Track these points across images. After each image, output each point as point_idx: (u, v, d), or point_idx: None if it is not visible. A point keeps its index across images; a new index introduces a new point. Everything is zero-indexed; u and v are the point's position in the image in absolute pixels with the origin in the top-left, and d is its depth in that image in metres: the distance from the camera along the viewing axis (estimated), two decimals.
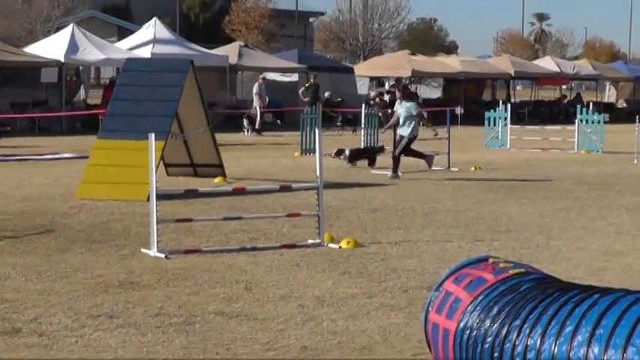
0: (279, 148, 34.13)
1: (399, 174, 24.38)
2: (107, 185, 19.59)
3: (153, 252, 13.65)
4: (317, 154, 15.37)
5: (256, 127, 43.83)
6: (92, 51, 44.84)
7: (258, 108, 44.69)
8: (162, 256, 13.46)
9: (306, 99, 42.84)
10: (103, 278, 12.17)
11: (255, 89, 45.48)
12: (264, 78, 47.06)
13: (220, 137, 24.41)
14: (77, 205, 18.70)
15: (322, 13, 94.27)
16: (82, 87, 44.87)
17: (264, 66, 50.07)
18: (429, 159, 25.75)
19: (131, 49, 45.18)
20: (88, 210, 18.01)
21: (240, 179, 22.15)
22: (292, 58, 53.25)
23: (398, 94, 27.11)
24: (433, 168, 26.16)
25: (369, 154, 27.62)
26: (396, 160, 24.65)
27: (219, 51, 50.56)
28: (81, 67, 46.04)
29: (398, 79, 53.96)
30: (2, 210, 17.98)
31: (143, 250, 13.90)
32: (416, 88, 54.41)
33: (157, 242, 13.75)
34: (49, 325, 9.92)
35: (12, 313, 10.38)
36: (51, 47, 45.03)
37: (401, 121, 24.83)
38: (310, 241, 14.65)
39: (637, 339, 6.38)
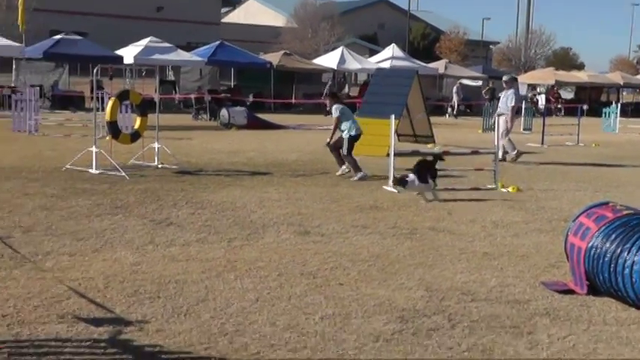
0: (468, 127, 33.69)
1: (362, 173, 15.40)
2: (362, 146, 19.52)
3: (389, 188, 13.67)
4: (495, 132, 15.16)
5: (454, 113, 43.59)
6: (353, 63, 45.10)
7: (456, 101, 44.47)
8: (396, 191, 13.44)
9: (486, 97, 42.28)
10: (359, 203, 12.28)
11: (454, 89, 45.31)
12: (460, 82, 46.69)
13: (432, 118, 24.18)
14: None
15: (498, 42, 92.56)
16: (346, 85, 45.30)
17: (460, 75, 49.55)
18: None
19: (377, 62, 45.22)
20: None
21: (444, 145, 21.91)
22: (478, 71, 52.61)
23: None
24: (567, 143, 25.43)
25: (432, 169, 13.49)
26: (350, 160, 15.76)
27: (432, 65, 50.19)
28: (346, 73, 46.39)
29: (552, 87, 52.63)
30: (298, 159, 18.33)
31: (384, 186, 13.94)
32: (558, 91, 52.81)
33: (392, 182, 13.80)
34: (326, 230, 10.08)
35: (304, 221, 10.58)
36: (328, 60, 45.54)
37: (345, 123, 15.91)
38: (489, 186, 14.39)
39: None
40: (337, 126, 15.91)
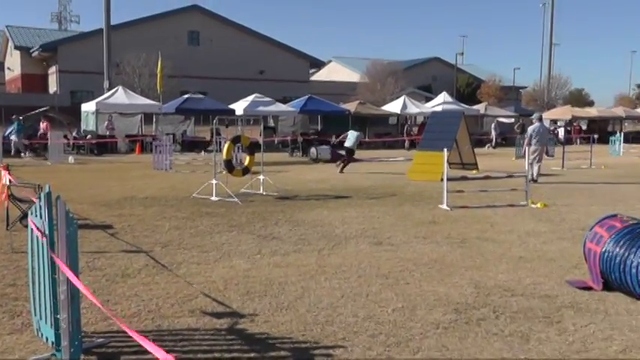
0: (504, 155, 33.05)
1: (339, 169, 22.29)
2: (421, 173, 19.53)
3: (444, 207, 13.51)
4: (526, 159, 14.90)
5: (493, 145, 42.81)
6: (413, 108, 44.83)
7: (494, 135, 43.66)
8: (449, 209, 13.30)
9: (517, 131, 41.37)
10: (420, 219, 12.16)
11: (493, 126, 44.49)
12: (497, 120, 45.91)
13: (475, 150, 23.82)
14: (408, 182, 18.71)
15: (526, 87, 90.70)
16: (405, 126, 44.93)
17: (497, 114, 48.53)
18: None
19: (432, 107, 44.79)
20: (412, 185, 17.98)
21: (485, 171, 21.53)
22: (511, 110, 51.43)
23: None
24: (582, 166, 24.75)
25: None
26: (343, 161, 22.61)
27: (475, 107, 49.42)
28: (407, 116, 46.00)
29: (571, 121, 51.20)
30: (372, 185, 18.12)
31: (439, 205, 13.74)
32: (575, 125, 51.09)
33: (446, 202, 13.63)
34: (395, 240, 10.02)
35: (378, 234, 10.53)
36: (394, 106, 45.15)
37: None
38: (522, 203, 14.11)
39: None
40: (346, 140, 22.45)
